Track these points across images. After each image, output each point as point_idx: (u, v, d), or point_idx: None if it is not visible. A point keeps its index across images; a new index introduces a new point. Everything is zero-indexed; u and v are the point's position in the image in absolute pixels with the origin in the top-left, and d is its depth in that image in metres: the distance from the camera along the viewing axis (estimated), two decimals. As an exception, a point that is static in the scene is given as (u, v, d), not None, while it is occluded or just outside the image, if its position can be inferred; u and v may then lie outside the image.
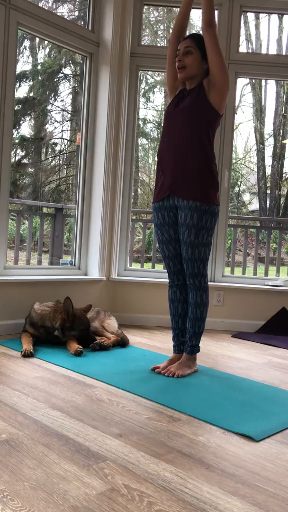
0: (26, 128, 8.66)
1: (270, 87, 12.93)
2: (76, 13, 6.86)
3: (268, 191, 12.98)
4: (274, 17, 11.72)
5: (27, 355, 2.73)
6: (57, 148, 9.37)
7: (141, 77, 10.32)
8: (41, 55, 8.84)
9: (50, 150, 9.24)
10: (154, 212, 2.71)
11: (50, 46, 8.35)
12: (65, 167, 9.51)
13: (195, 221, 2.52)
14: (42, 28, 3.48)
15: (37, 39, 8.17)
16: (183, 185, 2.55)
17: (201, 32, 2.58)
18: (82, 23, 4.80)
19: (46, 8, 4.02)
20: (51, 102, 8.83)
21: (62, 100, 9.07)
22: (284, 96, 12.84)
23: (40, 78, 8.41)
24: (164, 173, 2.63)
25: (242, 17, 4.15)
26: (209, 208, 2.54)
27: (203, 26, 2.52)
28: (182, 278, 2.71)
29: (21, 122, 8.23)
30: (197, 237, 2.53)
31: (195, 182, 2.53)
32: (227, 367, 2.83)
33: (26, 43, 8.32)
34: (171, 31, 2.90)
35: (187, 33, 2.75)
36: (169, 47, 2.72)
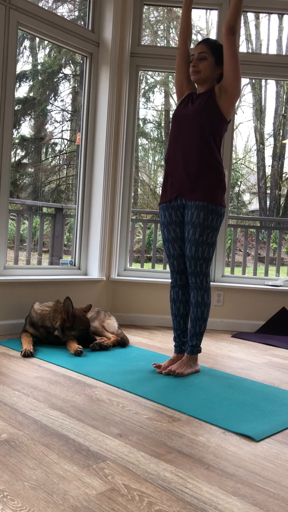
0: (26, 128, 8.65)
1: (270, 87, 12.95)
2: (76, 13, 6.85)
3: (268, 191, 12.98)
4: (274, 17, 11.72)
5: (27, 355, 2.74)
6: (57, 148, 9.37)
7: (141, 77, 10.31)
8: (41, 55, 8.84)
9: (50, 150, 9.24)
10: (161, 211, 2.73)
11: (50, 46, 8.35)
12: (65, 167, 9.50)
13: (201, 219, 2.54)
14: (42, 28, 3.48)
15: (37, 39, 8.17)
16: (191, 187, 2.58)
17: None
18: (82, 23, 4.80)
19: (46, 8, 4.01)
20: (51, 102, 8.82)
21: (62, 100, 9.06)
22: (284, 96, 12.85)
23: (40, 78, 8.41)
24: (172, 175, 2.66)
25: (242, 17, 4.14)
26: (216, 208, 2.57)
27: (225, 32, 2.52)
28: (185, 278, 2.71)
29: (21, 122, 8.23)
30: (202, 235, 2.55)
31: (202, 184, 2.56)
32: (227, 367, 2.83)
33: (26, 43, 8.31)
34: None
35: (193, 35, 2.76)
36: (178, 52, 2.76)
